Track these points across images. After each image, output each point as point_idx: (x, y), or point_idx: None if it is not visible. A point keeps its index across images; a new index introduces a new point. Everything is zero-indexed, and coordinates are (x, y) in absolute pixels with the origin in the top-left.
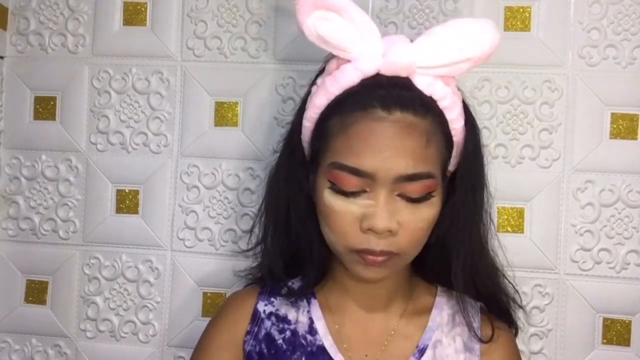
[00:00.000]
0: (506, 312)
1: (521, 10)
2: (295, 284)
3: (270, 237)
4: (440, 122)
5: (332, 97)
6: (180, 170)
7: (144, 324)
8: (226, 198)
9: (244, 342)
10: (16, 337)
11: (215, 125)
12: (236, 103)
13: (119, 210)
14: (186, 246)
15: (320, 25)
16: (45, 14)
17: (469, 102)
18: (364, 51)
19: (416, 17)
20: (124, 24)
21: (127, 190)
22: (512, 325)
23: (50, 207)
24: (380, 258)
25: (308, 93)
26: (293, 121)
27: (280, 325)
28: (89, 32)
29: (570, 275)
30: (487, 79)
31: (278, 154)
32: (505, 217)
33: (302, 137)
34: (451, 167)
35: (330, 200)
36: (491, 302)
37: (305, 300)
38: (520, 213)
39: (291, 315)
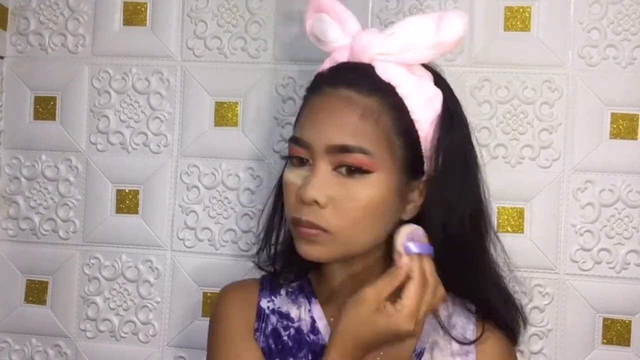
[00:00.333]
0: (503, 317)
1: (521, 10)
2: (295, 283)
3: (272, 238)
4: (394, 107)
5: (308, 85)
6: (180, 170)
7: (144, 324)
8: (226, 198)
9: (256, 339)
10: (16, 337)
11: (215, 125)
12: (236, 103)
13: (119, 210)
14: (186, 246)
15: (314, 25)
16: (45, 14)
17: (469, 102)
18: (342, 43)
19: None
20: (124, 24)
21: (127, 190)
22: (509, 330)
23: (50, 207)
24: (310, 230)
25: None
26: None
27: (284, 322)
28: (89, 32)
29: (570, 275)
30: (487, 79)
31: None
32: (505, 217)
33: None
34: (430, 169)
35: (284, 173)
36: (491, 305)
37: (306, 300)
38: (520, 213)
39: (293, 313)
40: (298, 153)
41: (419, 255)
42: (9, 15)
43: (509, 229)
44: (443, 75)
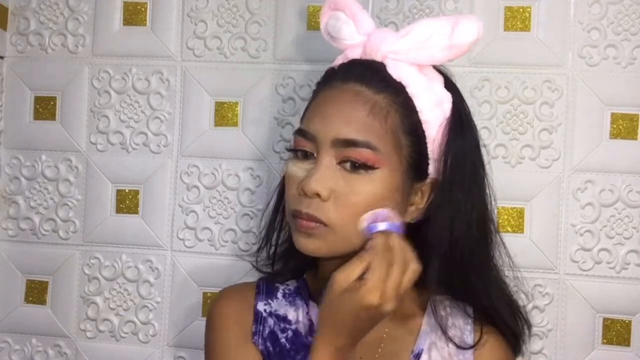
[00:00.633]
0: (505, 322)
1: (521, 10)
2: (291, 285)
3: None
4: (403, 105)
5: (318, 80)
6: (180, 170)
7: (144, 324)
8: (226, 198)
9: (255, 342)
10: (16, 337)
11: (215, 125)
12: (236, 103)
13: (119, 210)
14: (186, 246)
15: (329, 23)
16: (45, 14)
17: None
18: (356, 41)
19: (416, 17)
20: (124, 24)
21: (127, 190)
22: (510, 334)
23: (50, 207)
24: (309, 223)
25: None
26: None
27: (282, 325)
28: (89, 32)
29: (570, 275)
30: (487, 79)
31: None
32: (505, 217)
33: None
34: (433, 171)
35: (288, 165)
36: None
37: (303, 302)
38: (520, 213)
39: (291, 315)
40: (303, 145)
41: (385, 232)
42: (9, 15)
43: (509, 229)
44: (454, 81)
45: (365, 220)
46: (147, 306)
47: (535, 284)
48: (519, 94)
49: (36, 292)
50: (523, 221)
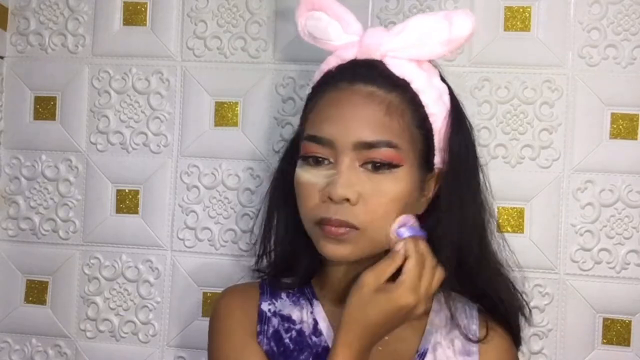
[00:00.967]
0: (509, 314)
1: (521, 10)
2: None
3: (270, 240)
4: (412, 101)
5: (314, 84)
6: (180, 170)
7: (144, 324)
8: (226, 198)
9: (259, 342)
10: (16, 337)
11: (215, 125)
12: (236, 103)
13: (119, 210)
14: (186, 246)
15: (310, 24)
16: (45, 14)
17: (469, 102)
18: (345, 41)
19: None
20: (124, 24)
21: (127, 190)
22: (513, 329)
23: (50, 207)
24: (338, 229)
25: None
26: (297, 128)
27: (286, 325)
28: (89, 32)
29: (570, 275)
30: (487, 79)
31: (279, 159)
32: (505, 217)
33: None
34: (439, 163)
35: (299, 173)
36: (494, 302)
37: (307, 302)
38: (520, 213)
39: (295, 315)
40: (317, 152)
41: (413, 237)
42: (9, 15)
43: (509, 229)
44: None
45: (396, 224)
46: (147, 306)
47: (535, 284)
48: (519, 94)
49: (36, 292)
50: (523, 221)
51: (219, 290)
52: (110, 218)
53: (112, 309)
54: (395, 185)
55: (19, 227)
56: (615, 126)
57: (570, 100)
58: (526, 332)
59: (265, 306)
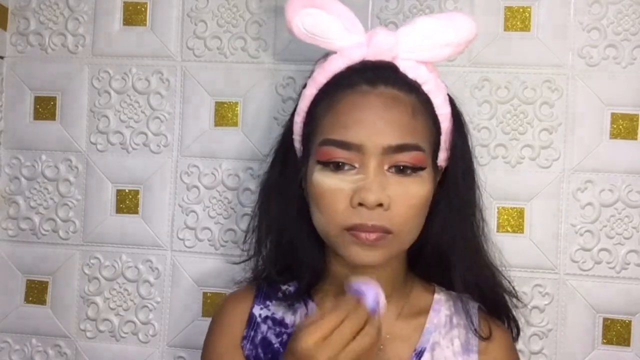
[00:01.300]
0: (506, 310)
1: (521, 10)
2: (292, 287)
3: (263, 243)
4: (426, 103)
5: (320, 85)
6: (180, 170)
7: (144, 324)
8: (226, 198)
9: (242, 347)
10: (16, 337)
11: (215, 125)
12: (236, 103)
13: (119, 210)
14: (186, 246)
15: (308, 21)
16: (45, 14)
17: (469, 102)
18: (350, 41)
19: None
20: (124, 24)
21: (127, 190)
22: (512, 324)
23: (50, 207)
24: (373, 235)
25: (298, 96)
26: (285, 128)
27: (277, 329)
28: (89, 32)
29: (570, 275)
30: (487, 79)
31: (270, 160)
32: (505, 217)
33: (293, 136)
34: (442, 161)
35: (319, 179)
36: (491, 300)
37: (302, 304)
38: (520, 213)
39: (288, 318)
40: (341, 157)
41: (359, 297)
42: (9, 15)
43: (509, 229)
44: None
45: (354, 281)
46: (147, 306)
47: (535, 284)
48: (519, 94)
49: (36, 292)
50: (523, 221)
51: (219, 290)
52: (110, 218)
53: (112, 309)
54: (422, 187)
55: (19, 227)
56: (615, 126)
57: (570, 100)
58: (526, 332)
59: (257, 310)
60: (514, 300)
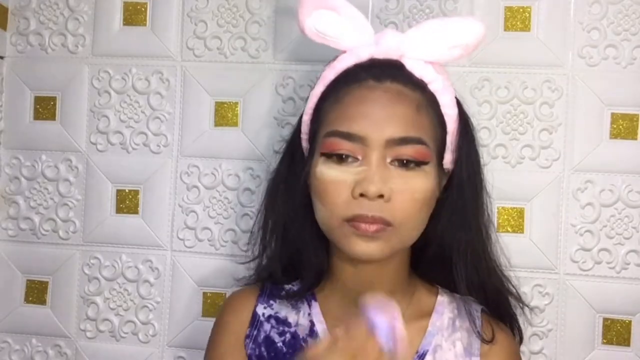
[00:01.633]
0: (510, 315)
1: (521, 10)
2: (295, 286)
3: (268, 241)
4: (432, 102)
5: (328, 82)
6: (180, 170)
7: (144, 324)
8: (226, 198)
9: (245, 345)
10: (16, 337)
11: (215, 125)
12: (236, 103)
13: (119, 210)
14: (186, 246)
15: (320, 22)
16: (45, 14)
17: (469, 102)
18: (359, 41)
19: (416, 17)
20: (124, 24)
21: (127, 190)
22: (515, 329)
23: (50, 207)
24: (373, 226)
25: (307, 98)
26: (294, 128)
27: (280, 328)
28: (89, 32)
29: (570, 275)
30: (487, 79)
31: (278, 159)
32: (505, 217)
33: (301, 135)
34: (448, 163)
35: (323, 170)
36: (495, 304)
37: (305, 303)
38: (520, 213)
39: (291, 317)
40: (344, 148)
41: (375, 332)
42: (9, 15)
43: (509, 229)
44: None
45: (373, 301)
46: (147, 306)
47: (535, 284)
48: (519, 94)
49: (36, 292)
50: (523, 221)
51: (219, 290)
52: (110, 218)
53: (112, 309)
54: (424, 182)
55: (19, 227)
56: (615, 126)
57: (570, 100)
58: (526, 332)
59: (260, 309)
60: (520, 306)
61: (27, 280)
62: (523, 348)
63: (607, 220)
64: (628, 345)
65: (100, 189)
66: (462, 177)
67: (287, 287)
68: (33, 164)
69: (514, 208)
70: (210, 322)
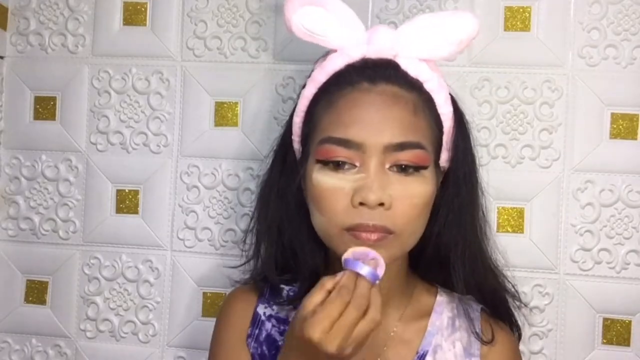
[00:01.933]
0: (508, 313)
1: (521, 10)
2: (295, 287)
3: (263, 245)
4: (428, 101)
5: (319, 84)
6: (180, 170)
7: (144, 324)
8: (226, 198)
9: (247, 344)
10: (16, 337)
11: (215, 125)
12: (236, 103)
13: (119, 210)
14: (186, 246)
15: (307, 19)
16: (45, 14)
17: (469, 102)
18: (350, 39)
19: None
20: (124, 24)
21: (127, 190)
22: (514, 327)
23: (50, 207)
24: (374, 235)
25: (298, 97)
26: (284, 129)
27: (282, 327)
28: (89, 32)
29: (570, 275)
30: (487, 79)
31: (269, 161)
32: (505, 217)
33: (292, 137)
34: (444, 161)
35: (319, 178)
36: (493, 302)
37: None
38: (520, 213)
39: (292, 317)
40: (341, 155)
41: (357, 274)
42: (9, 15)
43: (509, 228)
44: None
45: (350, 253)
46: (147, 306)
47: (535, 284)
48: (519, 94)
49: (36, 292)
50: (523, 221)
51: (219, 290)
52: (110, 218)
53: (112, 309)
54: (424, 186)
55: (19, 227)
56: (615, 126)
57: (570, 100)
58: (526, 332)
59: (261, 309)
60: (517, 304)
61: (27, 280)
62: (523, 348)
63: (607, 220)
64: (628, 345)
65: (100, 189)
66: (458, 175)
67: (287, 288)
68: (33, 164)
69: (514, 208)
70: (210, 322)
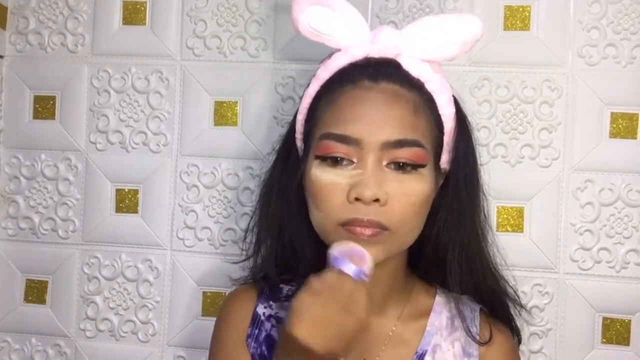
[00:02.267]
0: (507, 317)
1: (521, 9)
2: (294, 287)
3: (263, 241)
4: (429, 101)
5: (322, 81)
6: (180, 169)
7: (143, 323)
8: (226, 197)
9: (247, 344)
10: (16, 336)
11: (215, 124)
12: (236, 102)
13: (118, 209)
14: (186, 246)
15: (314, 19)
16: (44, 13)
17: (469, 101)
18: (355, 39)
19: (416, 17)
20: (123, 23)
21: (126, 190)
22: (513, 332)
23: (50, 207)
24: (368, 230)
25: (301, 96)
26: (287, 128)
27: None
28: (88, 31)
29: (570, 274)
30: (487, 78)
31: (272, 159)
32: (505, 216)
33: (295, 135)
34: (444, 163)
35: (317, 174)
36: (491, 305)
37: None
38: (520, 212)
39: None
40: (339, 151)
41: (342, 273)
42: (8, 14)
43: (508, 228)
44: None
45: (336, 249)
46: (146, 305)
47: (535, 283)
48: (519, 93)
49: (36, 292)
50: (523, 220)
51: (219, 289)
52: (109, 217)
53: (111, 308)
54: (421, 185)
55: (19, 226)
56: (614, 125)
57: (570, 100)
58: (526, 331)
59: (260, 309)
60: (518, 308)
61: (27, 279)
62: (522, 347)
63: (606, 220)
64: (627, 344)
65: (99, 188)
66: (458, 177)
67: (286, 288)
68: (32, 163)
69: (513, 207)
70: (209, 322)
